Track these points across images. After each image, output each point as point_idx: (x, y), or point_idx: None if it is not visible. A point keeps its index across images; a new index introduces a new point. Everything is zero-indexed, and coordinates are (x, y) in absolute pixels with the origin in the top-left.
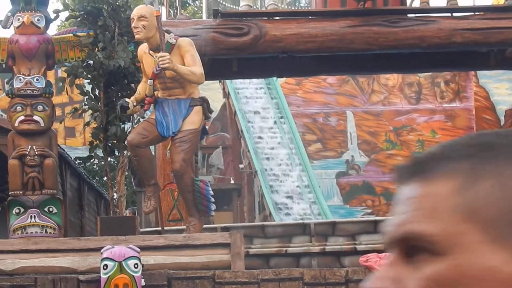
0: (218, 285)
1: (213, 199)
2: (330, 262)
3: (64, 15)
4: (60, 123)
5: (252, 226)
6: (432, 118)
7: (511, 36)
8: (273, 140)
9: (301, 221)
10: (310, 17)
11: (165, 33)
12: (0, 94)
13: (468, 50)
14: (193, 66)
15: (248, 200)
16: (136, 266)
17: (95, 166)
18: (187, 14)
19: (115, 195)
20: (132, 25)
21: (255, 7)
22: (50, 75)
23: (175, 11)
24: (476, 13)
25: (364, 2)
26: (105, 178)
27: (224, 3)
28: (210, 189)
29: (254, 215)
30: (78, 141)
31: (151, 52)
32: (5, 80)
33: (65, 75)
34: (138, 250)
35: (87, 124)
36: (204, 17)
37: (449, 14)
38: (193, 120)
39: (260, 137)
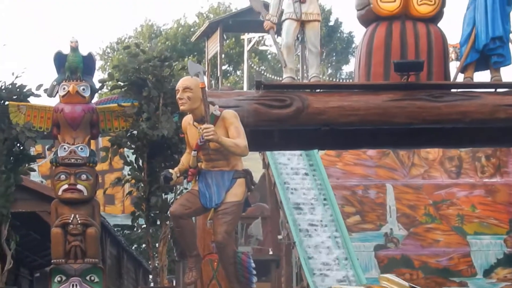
0: None
1: (254, 272)
2: None
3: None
4: (104, 193)
5: None
6: (472, 192)
7: None
8: (312, 212)
9: None
10: (353, 90)
11: (210, 105)
12: (41, 161)
13: (511, 126)
14: (237, 138)
15: (286, 271)
16: None
17: (135, 237)
18: (229, 84)
19: (157, 265)
20: (177, 96)
21: (297, 78)
22: (92, 143)
23: (216, 81)
24: None
25: (407, 77)
26: (143, 246)
27: (265, 73)
28: (252, 261)
29: (292, 286)
30: (118, 209)
31: (195, 123)
32: (46, 147)
33: (107, 143)
34: None
35: (129, 193)
36: (245, 87)
37: (492, 90)
38: (236, 192)
39: (299, 208)
